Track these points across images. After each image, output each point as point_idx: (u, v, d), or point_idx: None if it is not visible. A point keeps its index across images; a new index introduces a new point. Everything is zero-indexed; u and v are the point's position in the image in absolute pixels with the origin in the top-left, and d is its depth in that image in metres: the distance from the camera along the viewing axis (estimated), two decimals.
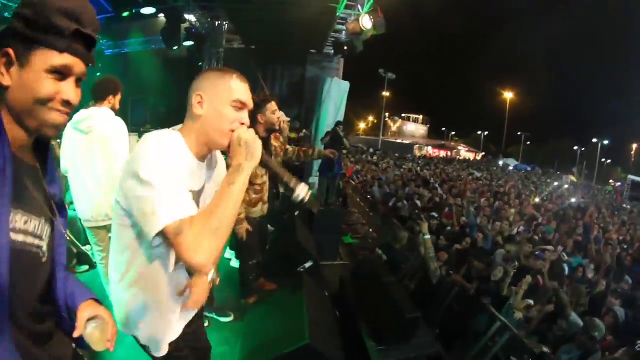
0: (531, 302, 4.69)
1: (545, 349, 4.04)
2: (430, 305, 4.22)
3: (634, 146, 57.02)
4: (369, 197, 11.65)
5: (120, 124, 2.96)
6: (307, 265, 3.85)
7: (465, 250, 5.77)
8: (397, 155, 34.37)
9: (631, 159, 56.35)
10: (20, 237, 0.90)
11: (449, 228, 7.47)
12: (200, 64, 11.12)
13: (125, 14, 7.46)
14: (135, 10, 7.14)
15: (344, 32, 9.92)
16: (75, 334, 1.10)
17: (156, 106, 11.75)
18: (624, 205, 22.96)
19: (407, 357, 3.13)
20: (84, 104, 3.01)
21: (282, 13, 8.41)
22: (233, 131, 1.33)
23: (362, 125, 73.14)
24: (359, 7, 8.63)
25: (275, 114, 3.37)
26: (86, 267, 4.13)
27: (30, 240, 0.93)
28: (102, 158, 2.84)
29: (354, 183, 14.31)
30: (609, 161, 59.10)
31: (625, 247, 9.05)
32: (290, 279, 3.50)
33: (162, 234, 1.18)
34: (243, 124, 1.35)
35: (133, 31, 11.88)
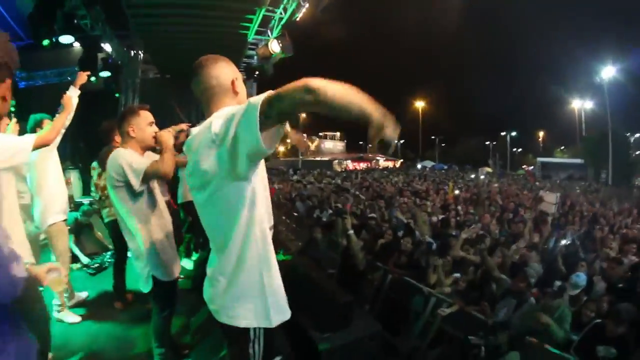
0: (457, 275, 5.13)
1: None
2: (361, 289, 4.57)
3: (541, 133, 63.15)
4: (294, 213, 11.86)
5: None
6: None
7: (390, 243, 6.16)
8: (317, 172, 34.92)
9: (539, 144, 62.23)
10: None
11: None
12: (117, 95, 11.04)
13: (46, 42, 7.15)
14: (54, 39, 6.91)
15: (255, 57, 10.34)
16: (44, 284, 1.52)
17: (75, 140, 11.38)
18: (537, 183, 25.38)
19: (351, 340, 3.34)
20: None
21: (195, 42, 8.68)
22: None
23: (281, 149, 73.74)
24: (269, 32, 9.11)
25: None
26: None
27: None
28: None
29: (276, 200, 14.42)
30: (519, 150, 64.76)
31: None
32: None
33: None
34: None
35: (47, 62, 11.67)
